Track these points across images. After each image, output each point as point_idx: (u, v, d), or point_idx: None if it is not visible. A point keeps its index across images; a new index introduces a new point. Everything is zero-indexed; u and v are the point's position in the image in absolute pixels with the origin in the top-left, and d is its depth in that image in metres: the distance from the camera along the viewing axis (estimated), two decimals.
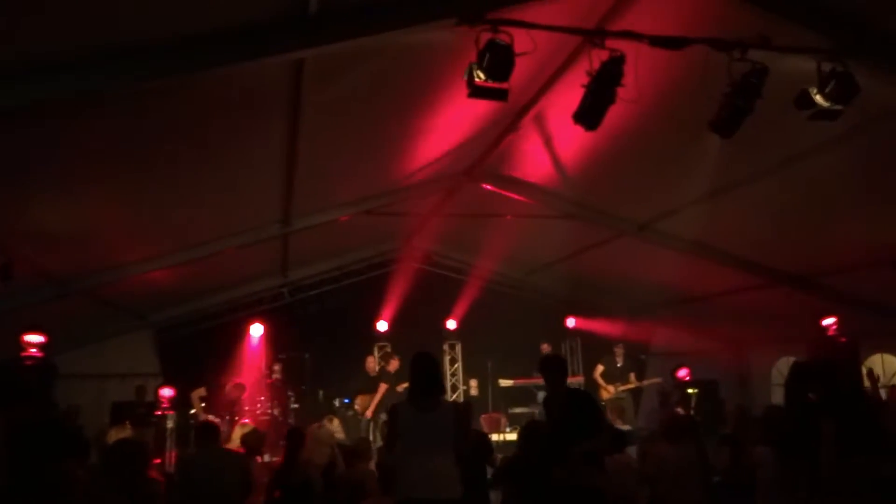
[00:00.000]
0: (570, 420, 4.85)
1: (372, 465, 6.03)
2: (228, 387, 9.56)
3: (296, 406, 10.74)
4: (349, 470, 5.78)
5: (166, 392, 9.13)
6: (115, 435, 7.22)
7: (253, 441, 6.58)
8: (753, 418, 7.08)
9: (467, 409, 6.88)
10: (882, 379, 9.62)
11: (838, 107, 4.68)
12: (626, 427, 8.39)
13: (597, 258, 10.19)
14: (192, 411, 9.48)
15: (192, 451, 6.57)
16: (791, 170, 6.38)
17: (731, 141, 5.08)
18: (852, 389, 6.30)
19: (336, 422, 7.94)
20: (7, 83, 3.90)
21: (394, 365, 10.67)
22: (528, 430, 5.46)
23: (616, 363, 11.05)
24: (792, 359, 9.35)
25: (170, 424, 8.77)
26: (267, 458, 6.66)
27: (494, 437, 10.90)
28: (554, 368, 5.35)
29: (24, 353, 6.98)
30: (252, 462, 6.04)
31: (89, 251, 7.24)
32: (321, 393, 11.46)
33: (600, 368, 11.08)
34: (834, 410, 4.60)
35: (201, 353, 10.52)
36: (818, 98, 4.68)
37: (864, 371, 7.99)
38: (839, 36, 4.64)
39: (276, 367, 11.15)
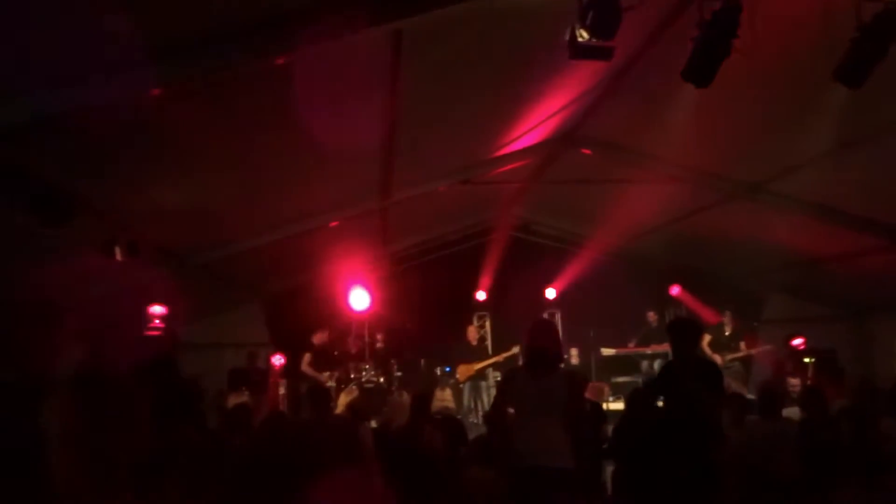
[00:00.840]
0: (693, 389, 4.63)
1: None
2: (316, 342, 9.76)
3: (398, 374, 10.92)
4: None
5: (277, 359, 9.51)
6: (233, 400, 7.60)
7: (360, 406, 6.74)
8: (879, 390, 6.63)
9: (582, 379, 6.77)
10: None
11: None
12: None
13: (705, 222, 9.83)
14: (304, 373, 9.74)
15: (305, 416, 6.79)
16: None
17: (856, 92, 4.70)
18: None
19: (448, 391, 8.04)
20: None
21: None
22: (639, 395, 5.33)
23: (724, 331, 10.60)
24: None
25: (282, 391, 9.14)
26: (373, 423, 6.81)
27: None
28: (680, 332, 5.09)
29: (150, 325, 7.35)
30: (360, 427, 6.17)
31: (207, 228, 7.58)
32: (423, 362, 11.63)
33: (707, 338, 10.64)
34: None
35: (307, 322, 10.84)
36: None
37: None
38: None
39: (380, 336, 11.39)
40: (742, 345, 10.49)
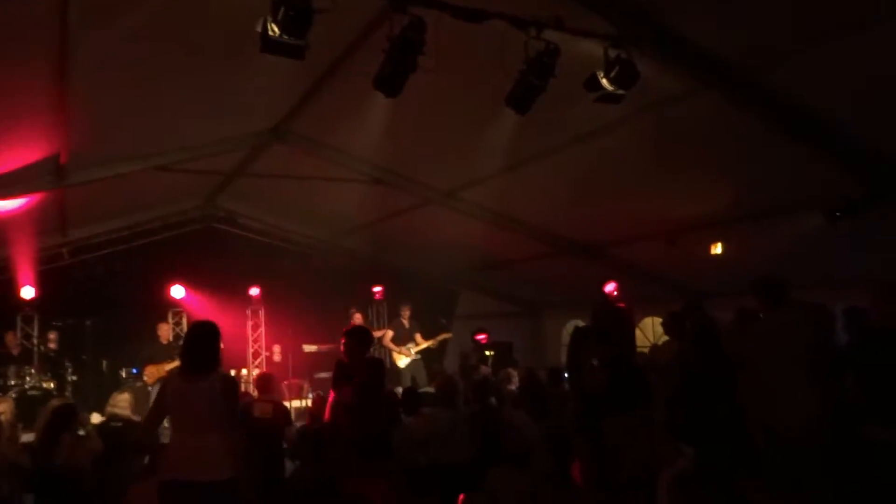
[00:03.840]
0: None
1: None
2: None
3: (74, 378, 9.83)
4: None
5: None
6: None
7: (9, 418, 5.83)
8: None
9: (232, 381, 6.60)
10: (653, 339, 10.80)
11: (621, 91, 4.99)
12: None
13: (408, 223, 10.34)
14: None
15: None
16: (581, 147, 6.81)
17: (527, 117, 5.28)
18: (625, 350, 6.88)
19: (126, 395, 7.27)
20: None
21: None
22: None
23: (404, 325, 11.25)
24: (579, 322, 10.41)
25: None
26: (25, 437, 5.98)
27: (296, 403, 10.85)
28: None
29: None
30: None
31: None
32: (105, 363, 10.66)
33: (389, 334, 11.23)
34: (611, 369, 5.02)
35: None
36: (604, 81, 4.95)
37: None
38: (624, 24, 4.93)
39: (52, 336, 10.16)
40: (417, 336, 11.23)
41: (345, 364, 5.34)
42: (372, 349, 11.97)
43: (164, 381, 4.26)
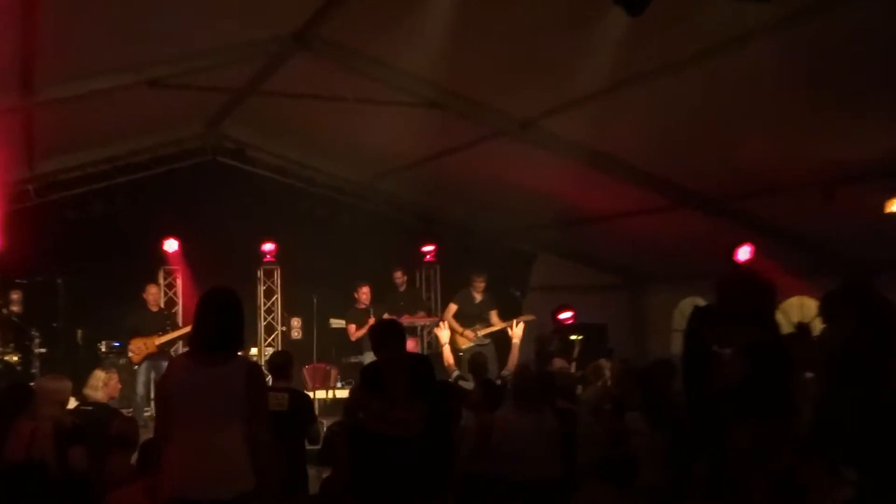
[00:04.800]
0: None
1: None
2: None
3: (42, 351, 10.26)
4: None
5: None
6: None
7: None
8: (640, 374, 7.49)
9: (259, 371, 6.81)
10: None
11: None
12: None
13: (468, 162, 10.39)
14: None
15: None
16: (706, 66, 6.73)
17: (639, 21, 5.19)
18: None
19: (100, 373, 7.55)
20: None
21: None
22: None
23: (473, 300, 11.36)
24: (698, 300, 10.28)
25: None
26: None
27: (321, 394, 11.15)
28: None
29: None
30: None
31: None
32: (80, 333, 11.06)
33: (453, 308, 11.28)
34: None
35: None
36: None
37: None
38: None
39: (14, 297, 10.58)
40: (493, 315, 11.23)
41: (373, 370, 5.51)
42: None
43: (168, 369, 4.29)
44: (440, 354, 7.78)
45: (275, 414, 6.15)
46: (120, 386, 7.22)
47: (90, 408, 6.44)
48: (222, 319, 4.08)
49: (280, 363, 6.84)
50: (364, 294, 11.28)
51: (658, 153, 9.08)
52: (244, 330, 4.24)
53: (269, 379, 7.19)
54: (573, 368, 9.82)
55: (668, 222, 10.35)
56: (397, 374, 5.34)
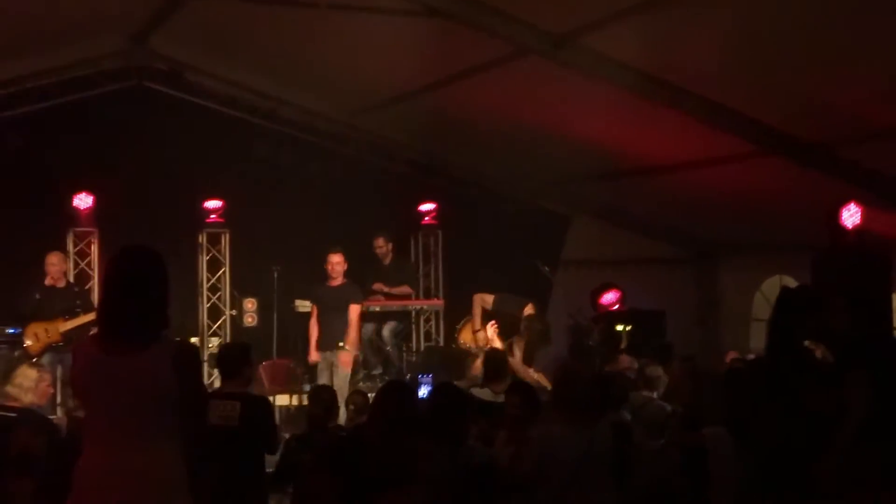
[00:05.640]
0: None
1: None
2: None
3: None
4: None
5: None
6: None
7: None
8: (712, 378, 7.38)
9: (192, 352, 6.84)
10: None
11: None
12: None
13: (482, 93, 10.36)
14: None
15: None
16: None
17: None
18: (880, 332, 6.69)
19: (32, 371, 7.63)
20: None
21: None
22: None
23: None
24: (788, 280, 10.14)
25: None
26: None
27: (282, 399, 11.11)
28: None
29: None
30: None
31: None
32: None
33: (489, 300, 10.99)
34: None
35: None
36: None
37: None
38: None
39: None
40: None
41: None
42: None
43: (74, 359, 4.17)
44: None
45: (223, 430, 6.11)
46: (52, 390, 7.26)
47: (13, 414, 6.31)
48: (137, 291, 3.91)
49: (231, 358, 6.73)
50: (337, 265, 11.05)
51: (737, 81, 8.96)
52: (169, 306, 4.00)
53: (217, 381, 7.08)
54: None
55: (750, 175, 10.32)
56: None
